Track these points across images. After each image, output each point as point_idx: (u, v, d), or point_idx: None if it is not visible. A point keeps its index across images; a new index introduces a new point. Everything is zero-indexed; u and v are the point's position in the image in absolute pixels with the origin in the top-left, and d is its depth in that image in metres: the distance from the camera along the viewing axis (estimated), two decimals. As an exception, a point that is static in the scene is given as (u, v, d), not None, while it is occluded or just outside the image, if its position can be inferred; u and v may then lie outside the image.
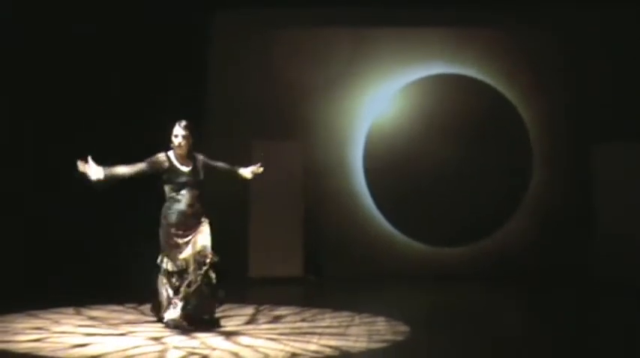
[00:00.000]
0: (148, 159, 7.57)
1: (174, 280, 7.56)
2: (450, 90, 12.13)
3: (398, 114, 12.16)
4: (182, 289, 7.48)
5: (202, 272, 7.47)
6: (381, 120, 12.14)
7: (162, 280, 7.63)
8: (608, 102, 11.83)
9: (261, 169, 7.93)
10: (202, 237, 7.57)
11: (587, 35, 12.00)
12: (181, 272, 7.55)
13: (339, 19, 12.03)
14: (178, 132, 7.60)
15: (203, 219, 7.64)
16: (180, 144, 7.58)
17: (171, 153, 7.62)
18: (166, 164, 7.57)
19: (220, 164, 7.87)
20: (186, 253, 7.54)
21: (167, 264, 7.58)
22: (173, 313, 7.49)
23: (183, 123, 7.63)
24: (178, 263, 7.55)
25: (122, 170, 7.44)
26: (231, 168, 7.95)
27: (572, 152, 11.99)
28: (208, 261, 7.51)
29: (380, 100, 12.15)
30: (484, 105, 12.08)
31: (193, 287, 7.45)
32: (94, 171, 7.29)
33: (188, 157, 7.64)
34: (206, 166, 7.71)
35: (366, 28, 12.09)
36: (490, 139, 12.01)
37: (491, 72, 12.15)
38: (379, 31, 12.13)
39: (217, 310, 7.71)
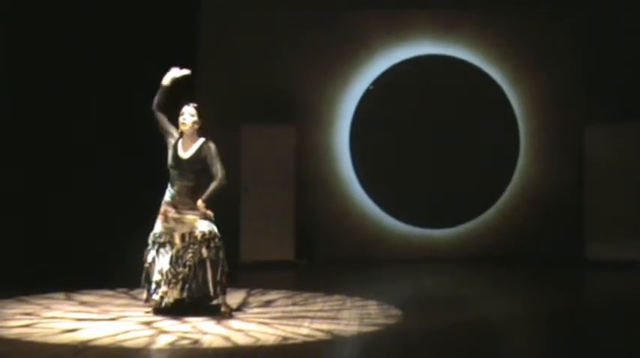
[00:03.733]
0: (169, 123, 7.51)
1: (155, 253, 7.44)
2: (438, 71, 12.09)
3: (386, 96, 12.13)
4: (179, 270, 7.35)
5: (196, 249, 7.37)
6: (369, 103, 12.10)
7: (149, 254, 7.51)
8: (599, 82, 11.80)
9: (210, 214, 7.37)
10: (198, 221, 7.39)
11: (578, 15, 11.96)
12: (163, 246, 7.43)
13: (328, 2, 11.98)
14: (185, 110, 7.51)
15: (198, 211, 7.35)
16: (184, 120, 7.44)
17: (182, 137, 7.50)
18: (174, 137, 7.46)
19: (214, 171, 7.41)
20: (173, 225, 7.40)
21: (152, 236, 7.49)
22: (164, 298, 7.42)
23: (192, 104, 7.55)
24: (161, 231, 7.45)
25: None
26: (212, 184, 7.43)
27: (562, 132, 11.98)
28: (207, 237, 7.38)
29: (368, 82, 12.12)
30: (472, 87, 12.07)
31: (188, 265, 7.36)
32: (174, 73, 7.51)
33: (193, 142, 7.46)
34: (205, 159, 7.42)
35: (356, 10, 12.04)
36: (478, 121, 12.00)
37: (479, 53, 12.12)
38: (369, 13, 12.08)
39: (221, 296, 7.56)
